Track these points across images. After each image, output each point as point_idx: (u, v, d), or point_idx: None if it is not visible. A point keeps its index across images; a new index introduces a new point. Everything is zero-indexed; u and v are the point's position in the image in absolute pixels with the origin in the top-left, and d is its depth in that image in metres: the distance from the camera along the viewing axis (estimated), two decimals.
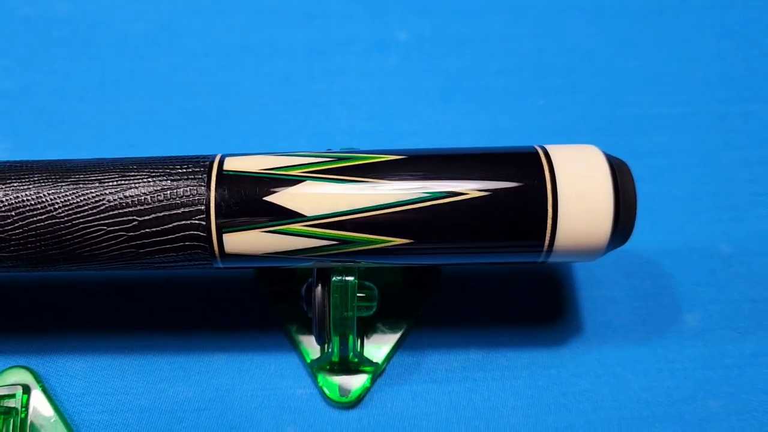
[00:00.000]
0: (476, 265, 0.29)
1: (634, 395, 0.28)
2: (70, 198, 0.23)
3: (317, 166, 0.23)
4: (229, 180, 0.23)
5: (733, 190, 0.33)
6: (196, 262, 0.24)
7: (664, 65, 0.36)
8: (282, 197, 0.23)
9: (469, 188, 0.23)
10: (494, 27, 0.37)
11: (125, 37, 0.37)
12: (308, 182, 0.23)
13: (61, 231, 0.23)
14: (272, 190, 0.23)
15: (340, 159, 0.24)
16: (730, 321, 0.30)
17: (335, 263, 0.25)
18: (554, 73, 0.36)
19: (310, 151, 0.25)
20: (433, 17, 0.37)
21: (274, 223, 0.23)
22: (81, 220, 0.23)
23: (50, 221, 0.23)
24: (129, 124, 0.34)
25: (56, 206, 0.23)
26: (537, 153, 0.24)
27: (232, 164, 0.24)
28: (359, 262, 0.24)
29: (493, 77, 0.35)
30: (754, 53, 0.36)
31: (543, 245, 0.23)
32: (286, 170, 0.23)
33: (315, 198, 0.23)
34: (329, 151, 0.25)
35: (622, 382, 0.29)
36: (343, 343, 0.26)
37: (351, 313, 0.25)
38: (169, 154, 0.25)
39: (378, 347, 0.28)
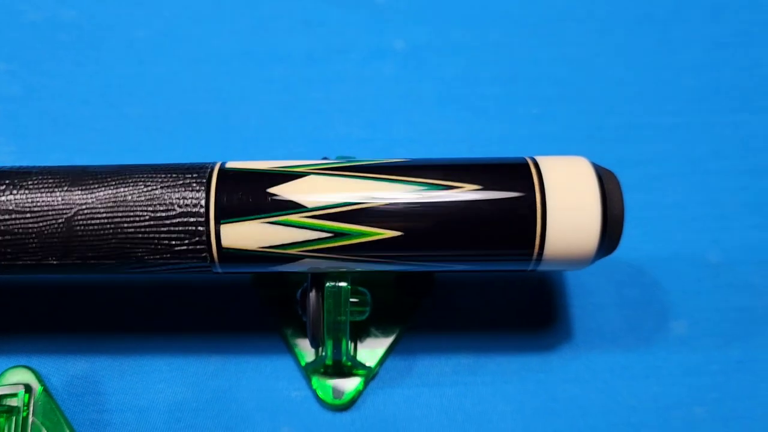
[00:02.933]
0: (468, 272, 0.30)
1: (621, 401, 0.29)
2: (79, 201, 0.24)
3: (321, 166, 0.24)
4: (231, 175, 0.24)
5: (721, 199, 0.33)
6: (197, 265, 0.24)
7: (655, 75, 0.36)
8: (284, 189, 0.24)
9: (462, 194, 0.23)
10: (489, 37, 0.37)
11: (129, 43, 0.37)
12: (311, 176, 0.24)
13: (68, 234, 0.24)
14: (275, 181, 0.24)
15: (342, 168, 0.24)
16: (716, 329, 0.30)
17: (330, 269, 0.25)
18: (547, 82, 0.36)
19: (312, 160, 0.25)
20: (429, 26, 0.38)
21: (275, 213, 0.23)
22: (89, 224, 0.24)
23: (54, 225, 0.24)
24: (131, 128, 0.35)
25: (63, 210, 0.24)
26: (527, 164, 0.24)
27: (235, 165, 0.24)
28: (353, 268, 0.25)
29: (487, 86, 0.36)
30: (743, 63, 0.36)
31: (532, 254, 0.24)
32: (290, 168, 0.24)
33: (316, 190, 0.24)
34: (326, 159, 0.26)
35: (610, 387, 0.29)
36: (337, 347, 0.26)
37: (344, 318, 0.26)
38: (169, 157, 0.25)
39: (371, 351, 0.29)
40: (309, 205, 0.23)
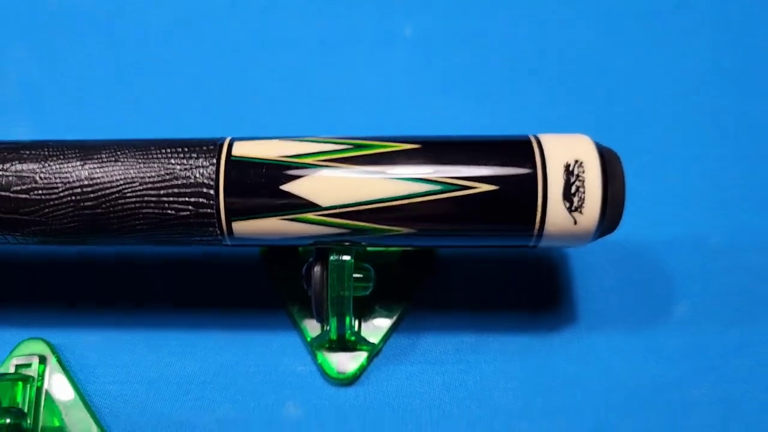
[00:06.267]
0: (470, 247, 0.31)
1: (621, 381, 0.29)
2: (94, 174, 0.24)
3: (334, 154, 0.25)
4: (241, 166, 0.24)
5: (724, 184, 0.33)
6: (207, 239, 0.25)
7: (660, 62, 0.36)
8: (297, 186, 0.24)
9: (472, 176, 0.24)
10: (496, 23, 0.38)
11: (144, 28, 0.38)
12: (325, 171, 0.24)
13: (88, 204, 0.24)
14: (287, 178, 0.24)
15: (357, 147, 0.25)
16: (716, 312, 0.31)
17: (335, 243, 0.26)
18: (554, 69, 0.37)
19: (325, 137, 0.26)
20: (438, 13, 0.38)
21: (288, 212, 0.24)
22: (104, 196, 0.24)
23: (79, 196, 0.24)
24: (145, 110, 0.36)
25: (81, 182, 0.24)
26: (530, 141, 0.25)
27: (245, 149, 0.25)
28: (361, 243, 0.26)
29: (494, 72, 0.37)
30: (748, 51, 0.36)
31: (533, 230, 0.24)
32: (302, 158, 0.24)
33: (331, 188, 0.24)
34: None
35: (610, 368, 0.30)
36: (341, 322, 0.27)
37: (348, 293, 0.26)
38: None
39: (375, 328, 0.30)
40: (323, 204, 0.24)
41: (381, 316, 0.30)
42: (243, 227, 0.25)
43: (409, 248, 0.31)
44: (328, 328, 0.28)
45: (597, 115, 0.35)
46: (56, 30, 0.38)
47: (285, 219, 0.24)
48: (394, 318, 0.30)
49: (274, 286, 0.31)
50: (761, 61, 0.36)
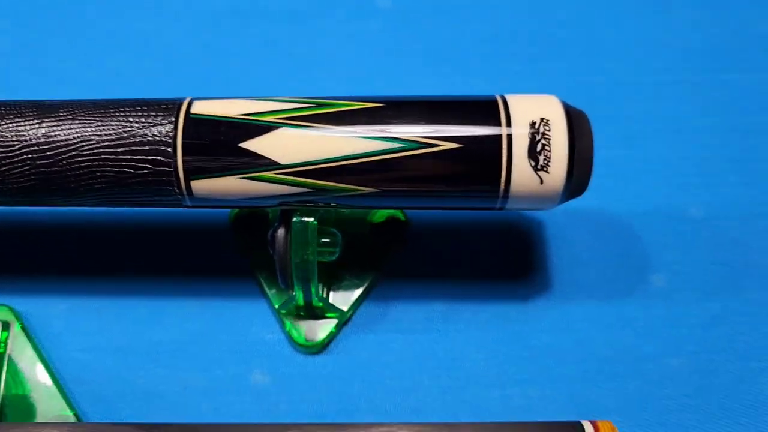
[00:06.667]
0: (436, 209, 0.30)
1: (596, 351, 0.29)
2: (51, 133, 0.24)
3: (295, 113, 0.24)
4: (200, 124, 0.24)
5: (706, 155, 0.33)
6: (167, 199, 0.25)
7: (642, 33, 0.36)
8: (256, 144, 0.24)
9: (434, 135, 0.23)
10: None
11: None
12: (284, 128, 0.24)
13: (45, 162, 0.24)
14: (246, 136, 0.24)
15: (318, 105, 0.24)
16: (695, 283, 0.30)
17: (299, 206, 0.25)
18: (532, 40, 0.36)
19: (287, 96, 0.25)
20: None
21: (248, 170, 0.24)
22: (63, 154, 0.24)
23: (36, 154, 0.24)
24: (114, 81, 0.36)
25: (38, 140, 0.24)
26: (496, 101, 0.24)
27: (205, 107, 0.24)
28: (326, 204, 0.25)
29: (471, 44, 0.36)
30: (731, 23, 0.36)
31: (498, 189, 0.24)
32: (262, 116, 0.24)
33: (290, 146, 0.23)
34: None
35: (585, 338, 0.29)
36: (306, 287, 0.26)
37: (312, 257, 0.26)
38: None
39: (345, 295, 0.29)
40: (282, 161, 0.23)
41: (351, 283, 0.29)
42: (202, 186, 0.24)
43: (379, 214, 0.30)
44: (293, 293, 0.27)
45: (577, 84, 0.35)
46: (25, 3, 0.38)
47: (244, 177, 0.24)
48: (364, 286, 0.29)
49: (242, 254, 0.31)
50: (745, 33, 0.36)
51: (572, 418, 0.24)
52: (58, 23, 0.38)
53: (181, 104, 0.25)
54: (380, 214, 0.31)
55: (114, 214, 0.32)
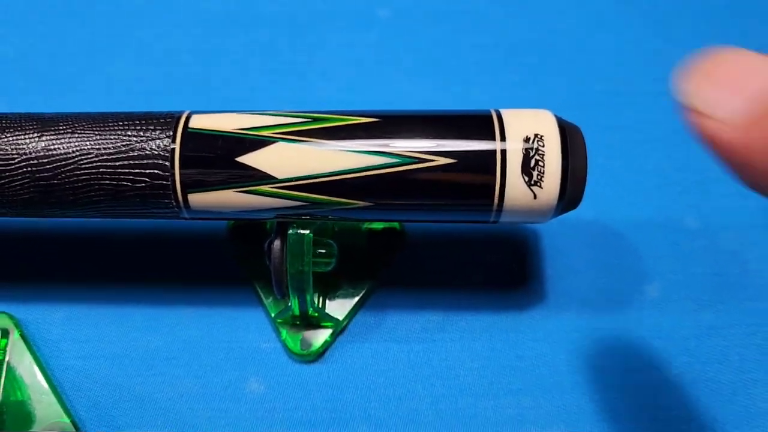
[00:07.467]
0: (430, 222, 0.30)
1: (590, 361, 0.29)
2: (51, 146, 0.24)
3: (291, 127, 0.24)
4: (197, 138, 0.24)
5: (701, 166, 0.33)
6: (165, 212, 0.25)
7: (639, 44, 0.36)
8: (253, 158, 0.24)
9: (429, 150, 0.23)
10: (471, 4, 0.37)
11: (116, 6, 0.38)
12: (281, 143, 0.24)
13: (44, 175, 0.24)
14: (243, 150, 0.24)
15: (315, 120, 0.25)
16: (689, 293, 0.30)
17: (295, 218, 0.26)
18: (529, 50, 0.36)
19: (284, 110, 0.25)
20: None
21: (244, 184, 0.24)
22: (62, 167, 0.24)
23: (36, 167, 0.24)
24: (116, 88, 0.36)
25: (38, 153, 0.24)
26: (490, 116, 0.24)
27: (203, 121, 0.25)
28: (321, 217, 0.25)
29: (468, 53, 0.36)
30: (728, 35, 0.36)
31: (492, 203, 0.24)
32: (258, 130, 0.24)
33: (286, 160, 0.24)
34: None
35: (579, 348, 0.29)
36: (301, 297, 0.27)
37: (307, 268, 0.26)
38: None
39: (340, 305, 0.29)
40: (279, 176, 0.24)
41: (346, 293, 0.30)
42: (199, 199, 0.24)
43: (375, 225, 0.31)
44: (289, 303, 0.27)
45: (571, 95, 0.35)
46: (28, 10, 0.38)
47: (241, 191, 0.24)
48: (360, 295, 0.30)
49: (239, 262, 0.31)
50: (740, 44, 0.35)
51: (563, 429, 0.24)
52: (58, 31, 0.38)
53: (179, 118, 0.25)
54: (376, 224, 0.31)
55: (112, 223, 0.32)
